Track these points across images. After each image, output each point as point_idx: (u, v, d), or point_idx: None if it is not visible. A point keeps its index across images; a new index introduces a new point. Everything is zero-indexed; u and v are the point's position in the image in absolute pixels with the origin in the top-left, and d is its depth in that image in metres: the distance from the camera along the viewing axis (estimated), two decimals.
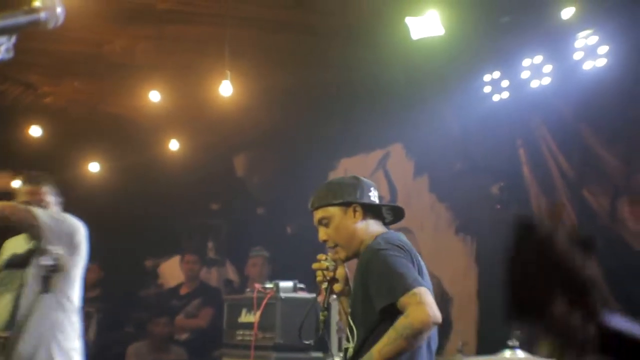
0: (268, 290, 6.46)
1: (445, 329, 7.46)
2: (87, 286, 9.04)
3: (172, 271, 9.99)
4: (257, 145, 10.24)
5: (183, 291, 9.18)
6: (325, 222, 3.76)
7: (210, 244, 10.17)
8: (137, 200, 9.78)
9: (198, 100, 8.52)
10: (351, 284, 3.79)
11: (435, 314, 3.51)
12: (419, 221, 8.02)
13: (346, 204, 3.73)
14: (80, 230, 5.35)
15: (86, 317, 8.91)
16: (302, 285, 6.59)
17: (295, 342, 6.40)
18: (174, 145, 9.86)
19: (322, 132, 8.95)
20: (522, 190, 7.03)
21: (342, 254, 3.77)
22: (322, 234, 3.79)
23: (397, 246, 3.64)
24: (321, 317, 3.81)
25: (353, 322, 3.68)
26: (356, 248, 3.74)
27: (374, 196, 3.86)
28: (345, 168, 9.18)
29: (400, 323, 3.43)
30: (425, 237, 7.94)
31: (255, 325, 6.48)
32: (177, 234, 9.86)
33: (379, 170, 8.65)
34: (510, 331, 5.34)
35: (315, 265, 3.81)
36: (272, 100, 8.76)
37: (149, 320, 8.83)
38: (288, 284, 6.50)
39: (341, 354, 3.95)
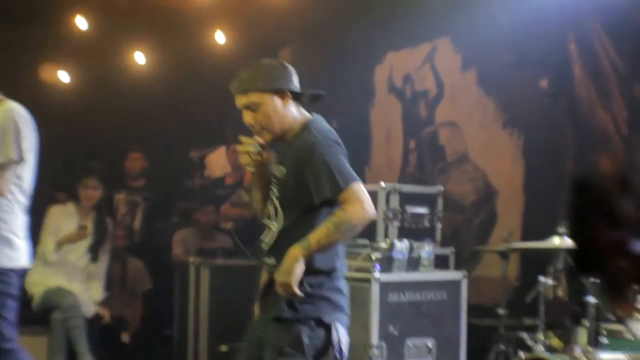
0: None
1: (490, 221, 7.48)
2: (132, 175, 9.21)
3: (218, 162, 10.03)
4: (302, 38, 10.16)
5: (228, 181, 9.23)
6: (254, 106, 3.80)
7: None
8: (183, 92, 9.80)
9: None
10: (281, 168, 3.87)
11: (372, 210, 3.81)
12: (465, 115, 7.98)
13: (277, 90, 3.83)
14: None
15: (132, 206, 9.05)
16: None
17: None
18: (220, 37, 9.83)
19: (368, 26, 8.85)
20: (572, 84, 6.94)
21: (267, 138, 3.85)
22: (249, 117, 3.84)
23: (334, 141, 3.91)
24: (246, 199, 3.87)
25: (280, 204, 3.85)
26: (282, 133, 3.88)
27: (297, 82, 3.98)
28: (392, 63, 9.10)
29: (339, 217, 3.69)
30: (471, 131, 7.90)
31: None
32: (223, 125, 9.86)
33: (425, 64, 8.57)
34: (557, 223, 5.33)
35: (241, 148, 3.86)
36: None
37: (195, 209, 8.92)
38: None
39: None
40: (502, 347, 5.77)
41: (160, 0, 9.44)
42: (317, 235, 3.70)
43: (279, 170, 3.86)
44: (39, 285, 7.10)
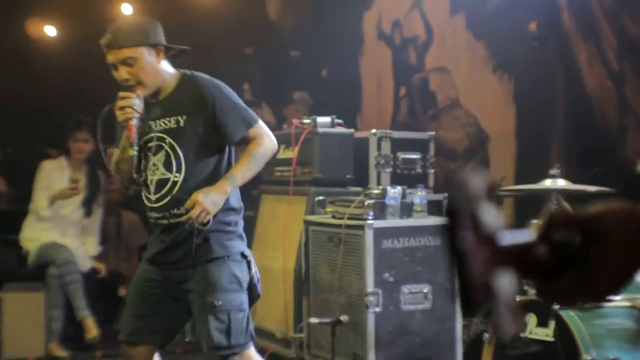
0: (306, 126, 6.49)
1: (483, 165, 7.49)
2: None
3: None
4: None
5: None
6: (131, 61, 3.81)
7: (246, 86, 10.14)
8: (173, 41, 9.75)
9: None
10: (172, 119, 3.93)
11: (276, 143, 4.12)
12: (454, 60, 7.97)
13: (153, 45, 3.88)
14: None
15: None
16: (340, 121, 6.60)
17: (334, 177, 6.51)
18: None
19: None
20: (560, 26, 6.92)
21: (144, 92, 3.86)
22: (124, 72, 3.82)
23: None
24: (132, 153, 3.84)
25: (181, 153, 3.89)
26: (157, 87, 3.93)
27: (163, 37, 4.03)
28: (380, 8, 9.07)
29: (257, 150, 3.95)
30: (461, 76, 7.89)
31: (294, 160, 6.53)
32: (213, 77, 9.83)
33: (414, 9, 8.54)
34: (549, 166, 5.34)
35: (122, 102, 3.81)
36: None
37: None
38: (326, 119, 6.52)
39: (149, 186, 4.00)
40: None
41: None
42: (239, 169, 3.93)
43: (167, 122, 3.92)
44: (33, 241, 7.11)
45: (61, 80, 9.55)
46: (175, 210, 3.90)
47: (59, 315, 6.90)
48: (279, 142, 6.72)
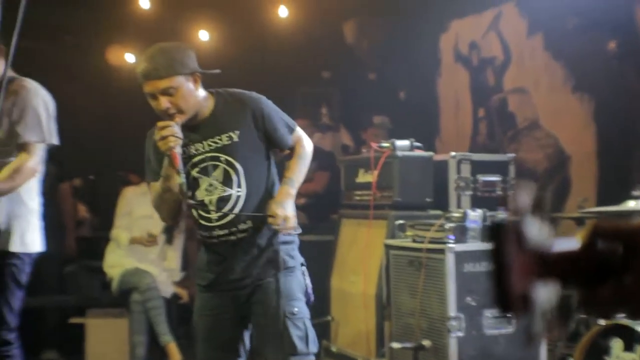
0: (384, 149, 6.49)
1: (564, 186, 7.40)
2: None
3: None
4: (366, 9, 10.12)
5: None
6: (172, 91, 3.78)
7: (323, 110, 10.18)
8: (247, 68, 9.83)
9: None
10: (225, 136, 3.94)
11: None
12: (533, 80, 7.89)
13: (192, 73, 3.86)
14: None
15: None
16: (418, 144, 6.59)
17: (414, 200, 6.49)
18: (283, 11, 9.84)
19: None
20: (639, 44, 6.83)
21: (183, 119, 3.84)
22: (165, 102, 3.79)
23: None
24: (181, 180, 3.75)
25: (242, 168, 3.91)
26: (195, 111, 3.91)
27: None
28: (457, 30, 9.04)
29: (304, 152, 4.09)
30: (540, 97, 7.81)
31: (374, 184, 6.53)
32: (290, 102, 9.88)
33: (491, 31, 8.49)
34: (631, 186, 5.26)
35: (163, 132, 3.76)
36: None
37: None
38: (404, 142, 6.52)
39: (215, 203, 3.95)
40: (583, 315, 5.72)
41: None
42: (295, 172, 4.03)
43: (219, 140, 3.92)
44: (116, 267, 7.21)
45: (142, 107, 9.68)
46: (243, 225, 3.93)
47: (142, 340, 6.97)
48: (359, 166, 6.82)
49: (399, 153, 6.43)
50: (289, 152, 4.14)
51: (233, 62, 9.66)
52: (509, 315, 1.21)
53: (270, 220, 3.83)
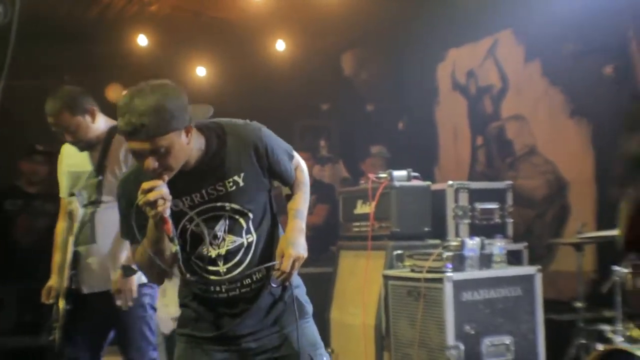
0: (382, 180, 6.49)
1: (563, 213, 7.37)
2: None
3: None
4: (364, 41, 10.15)
5: None
6: (163, 150, 3.12)
7: (322, 142, 10.19)
8: (246, 103, 9.84)
9: None
10: (232, 180, 3.40)
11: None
12: (531, 107, 7.88)
13: (185, 127, 3.20)
14: None
15: None
16: (416, 174, 6.59)
17: (412, 230, 6.47)
18: (280, 45, 9.86)
19: (428, 24, 8.80)
20: (636, 67, 6.82)
21: (170, 176, 3.20)
22: (152, 162, 3.12)
23: None
24: (175, 249, 3.23)
25: (251, 213, 3.44)
26: (184, 164, 3.27)
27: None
28: (454, 59, 9.05)
29: (304, 177, 3.69)
30: (538, 123, 7.79)
31: (372, 215, 6.52)
32: (289, 135, 9.89)
33: (488, 58, 8.49)
34: None
35: (152, 196, 3.12)
36: None
37: None
38: (402, 173, 6.52)
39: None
40: (583, 340, 5.68)
41: (218, 13, 9.49)
42: (301, 202, 3.62)
43: (222, 188, 3.38)
44: None
45: None
46: (258, 275, 3.47)
47: None
48: (357, 198, 6.80)
49: (397, 183, 6.42)
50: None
51: (231, 97, 9.72)
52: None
53: (275, 273, 3.38)
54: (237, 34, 9.48)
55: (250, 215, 3.43)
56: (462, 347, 5.36)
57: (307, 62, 9.96)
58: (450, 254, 5.58)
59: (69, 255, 4.96)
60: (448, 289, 5.41)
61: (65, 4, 8.94)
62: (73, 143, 4.94)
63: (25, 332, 7.57)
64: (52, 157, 8.28)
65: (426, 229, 6.49)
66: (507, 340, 5.55)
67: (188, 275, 3.45)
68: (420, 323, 5.59)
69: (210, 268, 3.45)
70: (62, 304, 4.92)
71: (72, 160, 5.07)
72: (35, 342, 7.27)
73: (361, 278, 6.51)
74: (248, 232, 3.45)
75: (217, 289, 3.46)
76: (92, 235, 4.90)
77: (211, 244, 3.41)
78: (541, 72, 7.75)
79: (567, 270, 6.76)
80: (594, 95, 7.14)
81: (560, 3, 7.38)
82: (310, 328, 3.61)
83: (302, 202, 3.62)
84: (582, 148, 7.23)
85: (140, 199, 3.14)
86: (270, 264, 3.42)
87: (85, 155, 4.99)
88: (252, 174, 3.42)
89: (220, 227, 3.43)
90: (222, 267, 3.44)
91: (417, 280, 5.67)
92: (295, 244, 3.39)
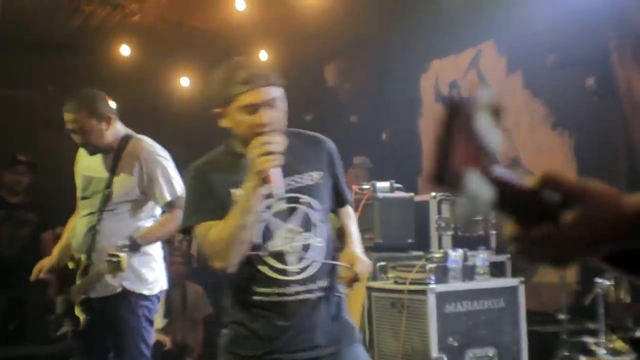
0: (365, 191, 6.48)
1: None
2: None
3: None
4: (347, 52, 10.17)
5: None
6: (275, 103, 3.13)
7: None
8: None
9: (286, 8, 8.48)
10: (313, 174, 3.31)
11: None
12: (513, 119, 7.90)
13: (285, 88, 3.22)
14: None
15: None
16: (399, 185, 6.59)
17: (395, 242, 6.47)
18: (263, 56, 9.86)
19: (411, 36, 8.83)
20: (618, 80, 6.86)
21: (278, 139, 3.08)
22: (267, 116, 3.10)
23: None
24: (284, 205, 3.20)
25: (322, 214, 3.30)
26: None
27: None
28: (437, 70, 9.08)
29: (352, 214, 3.59)
30: (520, 135, 7.82)
31: None
32: None
33: (471, 69, 8.52)
34: None
35: (274, 147, 3.00)
36: (360, 5, 8.68)
37: None
38: (385, 184, 6.52)
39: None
40: (566, 352, 5.70)
41: (201, 23, 9.50)
42: (357, 233, 3.51)
43: (300, 179, 3.26)
44: None
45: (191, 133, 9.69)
46: (321, 282, 3.25)
47: None
48: None
49: (380, 195, 6.42)
50: None
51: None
52: (438, 186, 1.21)
53: (347, 273, 3.22)
54: (221, 44, 9.47)
55: (322, 215, 3.28)
56: (445, 359, 5.35)
57: (290, 72, 9.89)
58: (433, 265, 5.59)
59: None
60: (431, 301, 5.41)
61: (47, 13, 8.92)
62: (82, 145, 5.00)
63: (9, 342, 7.54)
64: (34, 168, 8.29)
65: (409, 240, 6.49)
66: (491, 352, 5.55)
67: (254, 267, 3.21)
68: (404, 335, 5.59)
69: (278, 266, 3.21)
70: (78, 312, 4.93)
71: (87, 163, 5.09)
72: (19, 352, 7.25)
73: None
74: (320, 233, 3.27)
75: (284, 289, 3.21)
76: (92, 243, 4.90)
77: (285, 237, 3.21)
78: (523, 84, 7.79)
79: (550, 282, 6.78)
80: (576, 107, 7.17)
81: (542, 15, 7.42)
82: (365, 355, 3.42)
83: (358, 233, 3.52)
84: (564, 160, 7.26)
85: (254, 150, 3.00)
86: (342, 264, 3.25)
87: (99, 160, 5.01)
88: (325, 176, 3.31)
89: (295, 221, 3.25)
90: (291, 266, 3.22)
91: (401, 292, 5.67)
92: (365, 257, 3.34)
